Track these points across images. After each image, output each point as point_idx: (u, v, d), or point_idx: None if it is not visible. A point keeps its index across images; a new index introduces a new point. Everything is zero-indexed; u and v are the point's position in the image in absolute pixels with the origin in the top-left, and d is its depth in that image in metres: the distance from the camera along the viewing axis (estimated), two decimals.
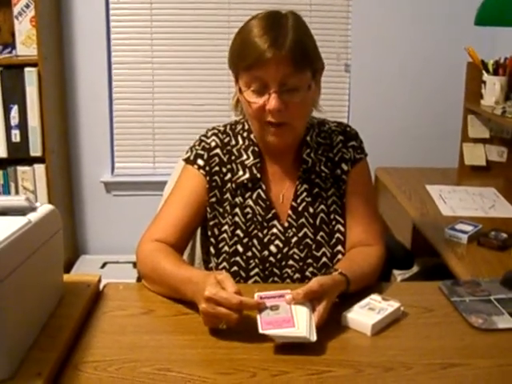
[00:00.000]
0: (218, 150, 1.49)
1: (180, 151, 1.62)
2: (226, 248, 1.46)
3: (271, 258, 1.45)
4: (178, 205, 1.46)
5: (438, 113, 3.27)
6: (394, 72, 3.25)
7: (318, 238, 1.46)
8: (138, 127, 3.28)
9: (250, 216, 1.46)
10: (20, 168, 2.87)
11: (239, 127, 1.52)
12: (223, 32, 3.10)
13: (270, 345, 1.11)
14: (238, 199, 1.47)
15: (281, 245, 1.45)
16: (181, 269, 1.29)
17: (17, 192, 2.87)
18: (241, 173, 1.47)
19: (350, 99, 3.30)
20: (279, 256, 1.45)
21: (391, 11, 3.18)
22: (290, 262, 1.45)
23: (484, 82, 2.69)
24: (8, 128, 2.79)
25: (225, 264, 1.46)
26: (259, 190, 1.47)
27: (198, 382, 1.02)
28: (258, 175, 1.46)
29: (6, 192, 2.87)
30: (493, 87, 2.63)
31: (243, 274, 1.44)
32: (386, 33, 3.20)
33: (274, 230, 1.46)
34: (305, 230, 1.46)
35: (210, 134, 1.52)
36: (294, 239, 1.45)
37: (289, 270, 1.44)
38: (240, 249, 1.45)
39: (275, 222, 1.46)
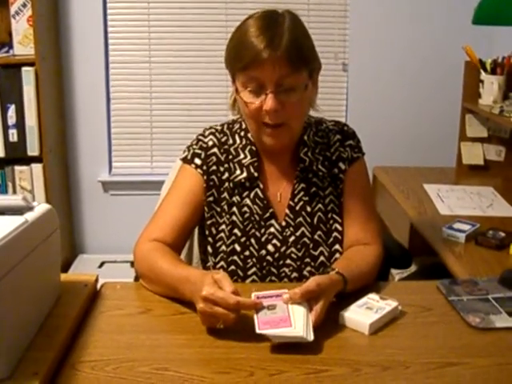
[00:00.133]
0: (215, 150, 1.49)
1: (178, 150, 1.62)
2: (224, 247, 1.46)
3: (269, 257, 1.45)
4: (176, 204, 1.46)
5: (436, 112, 3.27)
6: (391, 71, 3.25)
7: (316, 237, 1.45)
8: (135, 127, 3.28)
9: (247, 215, 1.46)
10: (17, 167, 2.87)
11: (236, 126, 1.52)
12: (221, 31, 3.10)
13: (267, 344, 1.11)
14: (236, 198, 1.47)
15: (278, 244, 1.45)
16: (178, 268, 1.29)
17: (14, 191, 2.86)
18: (238, 172, 1.47)
19: (347, 98, 3.29)
20: (277, 255, 1.45)
21: (389, 11, 3.18)
22: (288, 261, 1.44)
23: (482, 81, 2.69)
24: (5, 127, 2.78)
25: (222, 263, 1.46)
26: (257, 189, 1.46)
27: (196, 382, 1.02)
28: (256, 174, 1.46)
29: (4, 191, 2.87)
30: (491, 86, 2.64)
31: (241, 274, 1.44)
32: (383, 32, 3.20)
33: (272, 229, 1.46)
34: (302, 229, 1.45)
35: (207, 133, 1.52)
36: (292, 238, 1.45)
37: (286, 270, 1.44)
38: (237, 248, 1.45)
39: (273, 221, 1.46)
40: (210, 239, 1.48)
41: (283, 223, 1.46)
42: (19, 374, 0.98)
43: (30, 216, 1.09)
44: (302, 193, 1.47)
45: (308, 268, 1.44)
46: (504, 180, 2.74)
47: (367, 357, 1.10)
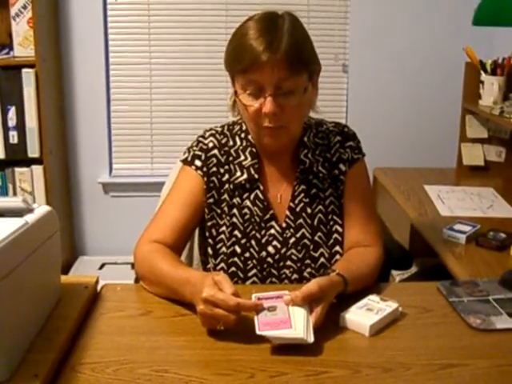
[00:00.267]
0: (215, 151, 1.49)
1: (178, 152, 1.62)
2: (224, 249, 1.46)
3: (269, 259, 1.44)
4: (176, 206, 1.46)
5: (436, 113, 3.27)
6: (391, 72, 3.25)
7: (316, 238, 1.45)
8: (135, 128, 3.28)
9: (247, 217, 1.46)
10: (18, 169, 2.87)
11: (237, 128, 1.52)
12: (221, 33, 3.10)
13: (268, 346, 1.11)
14: (236, 200, 1.47)
15: (279, 245, 1.45)
16: (178, 270, 1.29)
17: (15, 193, 2.86)
18: (238, 173, 1.46)
19: (347, 100, 3.30)
20: (277, 257, 1.45)
21: (389, 12, 3.18)
22: (288, 263, 1.44)
23: (482, 82, 2.69)
24: (6, 129, 2.78)
25: (223, 265, 1.46)
26: (257, 191, 1.46)
27: (196, 383, 1.02)
28: (256, 176, 1.46)
29: (4, 193, 2.87)
30: (491, 87, 2.64)
31: (241, 275, 1.44)
32: (383, 33, 3.20)
33: (272, 231, 1.46)
34: (302, 230, 1.45)
35: (207, 134, 1.52)
36: (292, 240, 1.45)
37: (287, 271, 1.44)
38: (238, 250, 1.45)
39: (273, 223, 1.46)
40: (210, 241, 1.48)
41: (283, 225, 1.46)
42: (19, 376, 0.98)
43: (30, 218, 1.09)
44: (302, 194, 1.47)
45: (308, 269, 1.44)
46: (504, 181, 2.74)
47: (367, 358, 1.10)
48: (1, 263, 0.95)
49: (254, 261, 1.44)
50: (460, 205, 2.35)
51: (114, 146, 3.30)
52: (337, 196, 1.49)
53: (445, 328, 1.21)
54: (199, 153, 1.49)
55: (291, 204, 1.47)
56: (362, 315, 1.20)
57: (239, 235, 1.45)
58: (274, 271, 1.44)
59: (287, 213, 1.47)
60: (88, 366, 1.06)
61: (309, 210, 1.46)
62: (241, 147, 1.49)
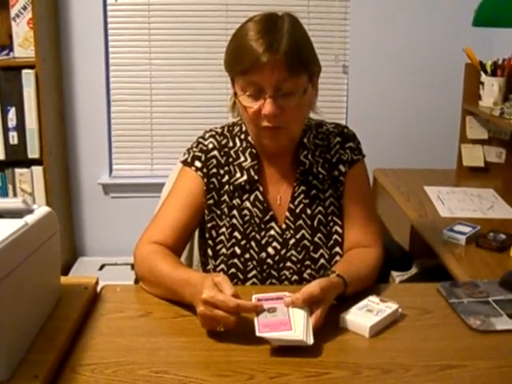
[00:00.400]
0: (215, 152, 1.49)
1: (178, 153, 1.62)
2: (224, 250, 1.46)
3: (269, 260, 1.44)
4: (176, 207, 1.46)
5: (437, 114, 3.27)
6: (392, 73, 3.25)
7: (316, 239, 1.45)
8: (135, 129, 3.28)
9: (247, 218, 1.46)
10: (18, 170, 2.87)
11: (237, 129, 1.52)
12: (221, 34, 3.09)
13: (267, 347, 1.11)
14: (236, 201, 1.46)
15: (278, 247, 1.45)
16: (178, 271, 1.29)
17: (15, 194, 2.86)
18: (238, 175, 1.46)
19: (348, 101, 3.29)
20: (277, 258, 1.44)
21: (389, 13, 3.18)
22: (288, 264, 1.44)
23: (482, 83, 2.69)
24: (6, 130, 2.78)
25: (222, 266, 1.46)
26: (257, 192, 1.46)
27: None
28: (256, 177, 1.46)
29: (4, 194, 2.87)
30: (491, 88, 2.63)
31: (241, 276, 1.44)
32: (384, 34, 3.20)
33: (272, 232, 1.45)
34: (302, 231, 1.45)
35: (207, 135, 1.52)
36: (292, 241, 1.45)
37: (287, 272, 1.44)
38: (238, 251, 1.45)
39: (273, 224, 1.46)
40: (210, 242, 1.48)
41: (283, 226, 1.46)
42: (19, 377, 0.98)
43: (29, 219, 1.09)
44: (302, 195, 1.47)
45: (308, 270, 1.44)
46: (504, 182, 2.74)
47: (367, 359, 1.10)
48: (1, 264, 0.95)
49: (254, 262, 1.44)
50: (460, 206, 2.35)
51: (114, 147, 3.30)
52: (337, 197, 1.49)
53: (445, 329, 1.21)
54: (199, 154, 1.49)
55: (291, 205, 1.47)
56: (362, 316, 1.20)
57: (239, 236, 1.45)
58: (274, 272, 1.44)
59: (287, 214, 1.47)
60: (88, 366, 1.06)
61: (309, 211, 1.46)
62: (241, 148, 1.49)
